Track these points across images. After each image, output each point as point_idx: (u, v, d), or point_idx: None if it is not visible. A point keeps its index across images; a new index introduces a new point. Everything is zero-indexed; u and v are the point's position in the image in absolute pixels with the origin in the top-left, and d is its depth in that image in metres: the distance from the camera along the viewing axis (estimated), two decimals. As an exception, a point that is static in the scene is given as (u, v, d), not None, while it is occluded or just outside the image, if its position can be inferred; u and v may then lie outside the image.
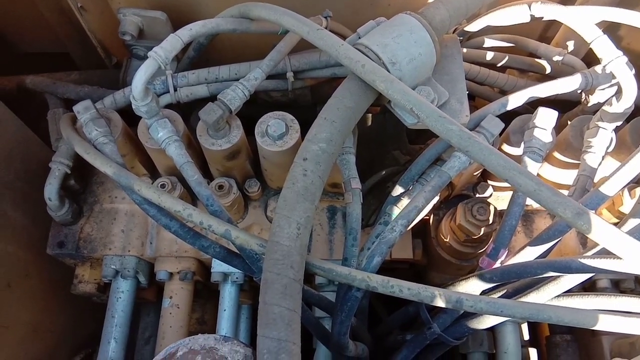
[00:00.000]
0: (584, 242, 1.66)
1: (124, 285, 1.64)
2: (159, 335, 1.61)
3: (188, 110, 1.70)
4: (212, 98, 1.53)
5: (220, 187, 1.52)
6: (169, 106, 1.59)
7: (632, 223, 1.27)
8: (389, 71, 1.23)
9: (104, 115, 1.44)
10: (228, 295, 1.62)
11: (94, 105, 1.38)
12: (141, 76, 1.23)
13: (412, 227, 1.51)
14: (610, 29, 1.69)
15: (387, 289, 1.13)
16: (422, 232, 1.73)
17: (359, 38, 1.31)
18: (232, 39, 1.83)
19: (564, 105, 1.69)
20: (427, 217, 1.70)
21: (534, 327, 1.93)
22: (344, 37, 1.47)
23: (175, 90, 1.57)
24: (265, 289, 1.02)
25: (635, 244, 1.02)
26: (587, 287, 1.64)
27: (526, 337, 1.85)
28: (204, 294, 1.89)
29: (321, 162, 1.15)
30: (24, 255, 1.67)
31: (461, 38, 1.71)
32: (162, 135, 1.34)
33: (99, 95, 1.67)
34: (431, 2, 1.38)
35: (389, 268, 1.72)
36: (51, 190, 1.51)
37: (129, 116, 1.50)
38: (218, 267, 1.60)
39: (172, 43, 1.26)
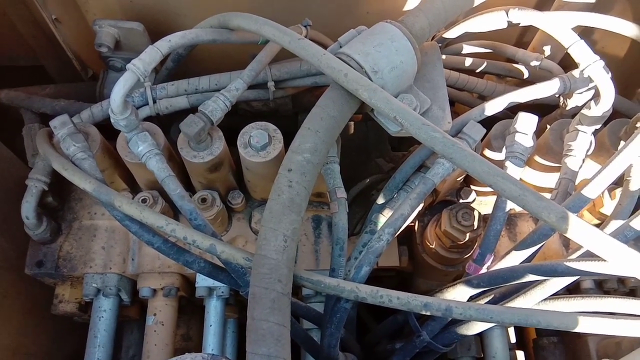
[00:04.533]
0: (567, 244, 1.68)
1: (106, 304, 1.60)
2: (144, 354, 1.57)
3: (167, 123, 1.68)
4: (193, 109, 1.51)
5: (203, 200, 1.50)
6: (148, 119, 1.56)
7: (614, 225, 1.29)
8: (371, 80, 1.22)
9: (81, 129, 1.40)
10: (214, 310, 1.60)
11: (71, 120, 1.35)
12: (120, 89, 1.20)
13: (398, 234, 1.51)
14: (585, 33, 1.73)
15: (377, 299, 1.13)
16: (407, 239, 1.73)
17: (340, 47, 1.31)
18: (210, 50, 1.81)
19: (542, 109, 1.71)
20: (412, 224, 1.70)
21: (520, 330, 1.94)
22: (323, 46, 1.46)
23: (154, 102, 1.55)
24: (253, 304, 1.00)
25: (619, 246, 1.03)
26: (571, 289, 1.66)
27: (513, 340, 1.85)
28: (188, 309, 1.86)
29: (306, 172, 1.13)
30: (1, 276, 1.62)
31: (440, 45, 1.72)
32: (142, 149, 1.31)
33: (75, 109, 1.63)
34: (411, 10, 1.38)
35: (376, 276, 1.71)
36: (28, 208, 1.46)
37: (107, 130, 1.48)
38: (202, 281, 1.57)
39: (151, 55, 1.24)
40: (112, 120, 1.28)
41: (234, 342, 1.83)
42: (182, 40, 1.31)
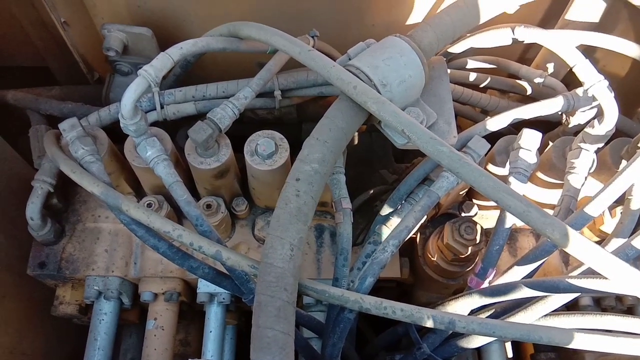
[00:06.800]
0: (567, 261, 1.70)
1: (107, 307, 1.59)
2: (143, 358, 1.57)
3: (173, 128, 1.68)
4: (199, 116, 1.52)
5: (208, 206, 1.51)
6: (154, 124, 1.57)
7: (615, 243, 1.31)
8: (380, 93, 1.24)
9: (89, 133, 1.41)
10: (214, 317, 1.60)
11: (80, 123, 1.36)
12: (131, 94, 1.21)
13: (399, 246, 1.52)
14: (587, 52, 1.75)
15: (380, 311, 1.13)
16: (409, 251, 1.74)
17: (350, 59, 1.32)
18: (216, 57, 1.82)
19: (544, 125, 1.73)
20: (414, 236, 1.71)
21: (517, 345, 1.94)
22: (330, 57, 1.48)
23: (162, 107, 1.56)
24: (258, 311, 1.01)
25: (621, 265, 1.04)
26: (570, 306, 1.66)
27: (510, 355, 1.86)
28: (188, 314, 1.86)
29: (314, 182, 1.14)
30: (2, 276, 1.62)
31: (444, 59, 1.74)
32: (150, 154, 1.32)
33: (82, 112, 1.64)
34: (419, 25, 1.40)
35: (376, 287, 1.71)
36: (33, 209, 1.46)
37: (113, 133, 1.48)
38: (204, 287, 1.58)
39: (162, 61, 1.25)
40: (121, 125, 1.29)
41: (232, 349, 1.83)
42: (194, 48, 1.32)
